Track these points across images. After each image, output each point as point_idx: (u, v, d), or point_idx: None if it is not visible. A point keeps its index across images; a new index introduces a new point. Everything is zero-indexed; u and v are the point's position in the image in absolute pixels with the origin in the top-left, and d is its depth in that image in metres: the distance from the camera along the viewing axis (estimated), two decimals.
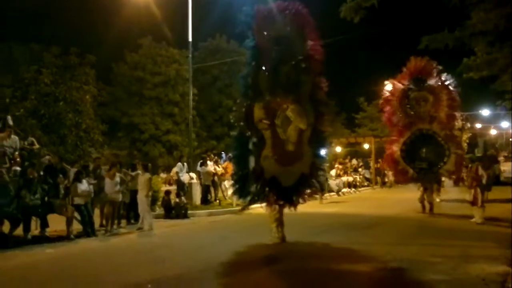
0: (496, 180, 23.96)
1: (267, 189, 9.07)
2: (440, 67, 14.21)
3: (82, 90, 20.90)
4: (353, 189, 25.02)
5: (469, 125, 20.26)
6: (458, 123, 18.24)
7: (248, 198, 9.30)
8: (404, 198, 17.87)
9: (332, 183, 22.63)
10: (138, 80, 30.62)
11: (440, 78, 13.97)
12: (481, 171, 12.20)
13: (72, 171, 12.29)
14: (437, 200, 16.98)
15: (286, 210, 9.62)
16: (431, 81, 13.97)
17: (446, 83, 13.98)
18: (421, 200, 14.19)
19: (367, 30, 18.69)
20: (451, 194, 18.93)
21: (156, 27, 28.74)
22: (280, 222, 9.54)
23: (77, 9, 35.52)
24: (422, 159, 13.76)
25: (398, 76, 14.56)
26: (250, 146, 9.06)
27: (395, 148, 14.16)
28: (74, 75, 21.19)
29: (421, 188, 14.28)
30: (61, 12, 31.77)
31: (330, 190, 22.17)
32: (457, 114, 16.90)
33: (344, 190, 23.69)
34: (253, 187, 9.09)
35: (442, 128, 13.69)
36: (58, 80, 20.28)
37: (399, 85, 14.26)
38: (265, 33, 9.07)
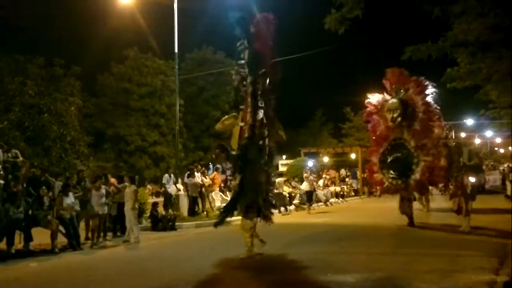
0: (481, 189, 24.31)
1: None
2: (422, 77, 14.35)
3: (67, 101, 20.73)
4: (341, 199, 25.09)
5: (453, 134, 20.49)
6: (442, 132, 18.43)
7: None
8: (391, 208, 17.89)
9: (320, 193, 22.67)
10: (124, 91, 30.53)
11: (416, 87, 14.04)
12: (466, 180, 12.29)
13: (58, 184, 12.12)
14: (424, 210, 17.14)
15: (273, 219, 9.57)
16: (407, 91, 13.98)
17: (424, 92, 14.04)
18: (402, 212, 14.09)
19: (353, 41, 18.87)
20: (436, 203, 19.07)
21: (142, 38, 28.76)
22: (252, 235, 9.28)
23: (62, 20, 35.36)
24: (394, 168, 13.79)
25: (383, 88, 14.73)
26: None
27: (375, 159, 14.22)
28: (59, 86, 21.03)
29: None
30: (46, 23, 31.58)
31: (318, 200, 22.21)
32: (439, 123, 17.11)
33: (332, 200, 23.74)
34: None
35: (415, 137, 13.62)
36: (43, 91, 20.11)
37: (379, 97, 14.37)
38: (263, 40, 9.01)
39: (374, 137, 14.72)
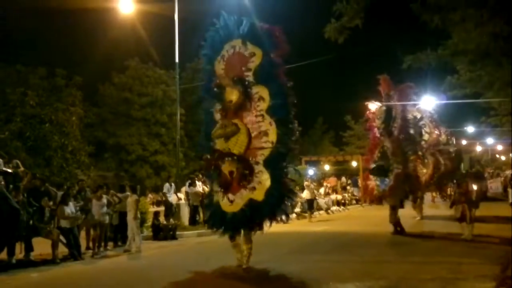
0: (483, 197, 24.23)
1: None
2: (409, 84, 14.45)
3: (68, 111, 20.76)
4: (342, 207, 25.03)
5: (454, 140, 20.48)
6: (442, 138, 18.49)
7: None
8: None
9: (321, 201, 22.64)
10: (125, 101, 30.63)
11: (398, 94, 14.05)
12: (470, 187, 12.15)
13: (59, 194, 12.13)
14: (417, 218, 17.06)
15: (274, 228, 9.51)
16: (392, 98, 14.07)
17: (406, 99, 14.10)
18: (390, 221, 13.93)
19: (353, 50, 18.97)
20: (437, 210, 19.03)
21: (143, 49, 28.90)
22: (235, 246, 9.06)
23: (64, 30, 35.58)
24: (378, 175, 13.87)
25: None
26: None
27: (369, 167, 14.31)
28: (61, 96, 21.08)
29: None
30: (48, 34, 31.76)
31: (319, 208, 22.17)
32: (433, 130, 17.30)
33: (333, 208, 23.68)
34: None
35: (393, 144, 13.64)
36: (44, 101, 20.15)
37: (378, 104, 14.40)
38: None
39: (369, 145, 14.85)
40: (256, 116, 8.54)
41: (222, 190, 8.65)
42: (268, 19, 9.41)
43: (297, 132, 8.85)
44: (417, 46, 10.04)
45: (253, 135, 8.58)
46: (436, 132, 17.44)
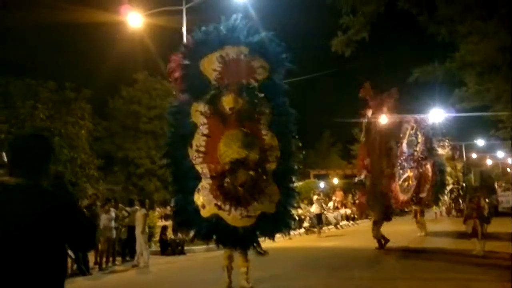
0: (493, 211, 23.95)
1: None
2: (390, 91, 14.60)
3: (77, 125, 20.89)
4: (351, 221, 24.80)
5: (458, 153, 20.54)
6: (446, 152, 18.56)
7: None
8: (402, 230, 17.69)
9: (330, 215, 22.45)
10: (133, 114, 30.80)
11: (380, 102, 14.22)
12: (483, 202, 11.98)
13: None
14: (421, 234, 16.85)
15: (283, 243, 9.46)
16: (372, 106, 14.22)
17: (381, 108, 14.09)
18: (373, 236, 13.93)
19: (360, 62, 18.98)
20: (447, 226, 18.80)
21: (152, 61, 29.10)
22: (228, 267, 8.54)
23: (73, 44, 36.05)
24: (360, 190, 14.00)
25: None
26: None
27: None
28: (70, 109, 21.23)
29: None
30: (57, 47, 32.20)
31: (328, 223, 21.99)
32: (427, 139, 17.46)
33: (343, 223, 23.48)
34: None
35: (360, 156, 14.06)
36: (54, 115, 20.31)
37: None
38: None
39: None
40: (260, 128, 8.30)
41: (230, 203, 7.88)
42: (275, 32, 9.39)
43: (300, 151, 8.88)
44: (425, 59, 10.03)
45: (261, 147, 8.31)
46: (425, 142, 17.57)
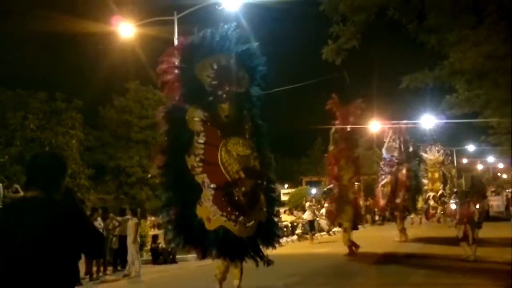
0: (485, 216, 24.10)
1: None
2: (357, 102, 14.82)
3: (68, 135, 20.79)
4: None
5: (450, 159, 20.66)
6: (436, 158, 18.74)
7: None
8: (393, 236, 17.76)
9: (323, 222, 22.44)
10: (125, 124, 30.70)
11: (347, 113, 14.39)
12: (473, 208, 12.08)
13: None
14: (400, 239, 16.94)
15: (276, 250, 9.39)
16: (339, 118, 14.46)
17: (348, 119, 14.31)
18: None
19: (351, 70, 19.14)
20: (441, 231, 18.84)
21: (143, 71, 29.05)
22: (220, 280, 8.38)
23: (64, 54, 35.91)
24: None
25: None
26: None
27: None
28: (61, 120, 21.13)
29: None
30: (48, 57, 32.09)
31: (321, 230, 21.98)
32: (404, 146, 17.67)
33: (335, 229, 23.47)
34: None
35: (329, 163, 14.17)
36: (44, 125, 20.21)
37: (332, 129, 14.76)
38: None
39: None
40: (247, 137, 8.02)
41: (236, 213, 7.46)
42: (264, 41, 9.44)
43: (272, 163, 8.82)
44: (415, 66, 10.13)
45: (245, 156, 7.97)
46: (402, 148, 17.76)
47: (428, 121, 30.66)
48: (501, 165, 52.52)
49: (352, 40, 8.32)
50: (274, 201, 8.70)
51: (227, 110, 7.80)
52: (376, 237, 18.72)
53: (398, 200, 17.25)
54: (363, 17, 7.94)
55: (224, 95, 7.87)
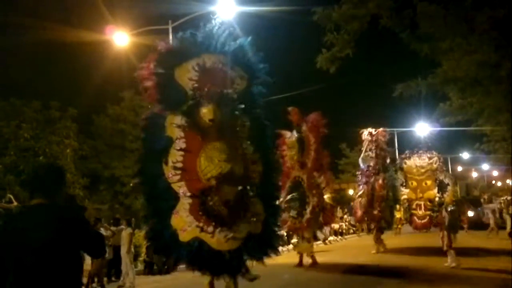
0: (479, 223, 24.15)
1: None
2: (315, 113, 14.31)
3: (62, 144, 20.70)
4: (339, 236, 24.78)
5: (444, 168, 20.47)
6: (432, 166, 18.60)
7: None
8: (390, 244, 17.73)
9: (318, 231, 22.39)
10: (120, 132, 30.61)
11: (310, 124, 13.98)
12: (443, 213, 12.54)
13: None
14: (380, 250, 16.87)
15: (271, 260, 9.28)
16: (304, 128, 14.00)
17: (318, 129, 14.01)
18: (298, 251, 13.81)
19: (346, 78, 19.25)
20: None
21: (138, 79, 29.03)
22: None
23: (59, 63, 35.91)
24: (293, 208, 13.64)
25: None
26: None
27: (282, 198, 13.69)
28: (55, 129, 21.05)
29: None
30: (42, 66, 32.04)
31: (317, 239, 21.93)
32: (382, 154, 17.52)
33: (331, 238, 23.44)
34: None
35: (307, 176, 13.66)
36: (39, 134, 20.12)
37: (288, 134, 14.24)
38: None
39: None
40: (241, 142, 7.59)
41: (213, 224, 6.95)
42: (260, 51, 9.41)
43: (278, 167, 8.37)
44: (409, 74, 10.18)
45: (239, 162, 7.43)
46: (379, 158, 17.65)
47: (423, 129, 30.87)
48: (495, 173, 52.76)
49: (346, 49, 8.37)
50: (275, 209, 8.09)
51: (211, 113, 7.29)
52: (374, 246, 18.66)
53: (375, 211, 17.11)
54: (356, 26, 8.00)
55: (208, 98, 7.38)
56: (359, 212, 17.69)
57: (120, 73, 27.80)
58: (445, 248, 11.97)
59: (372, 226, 18.25)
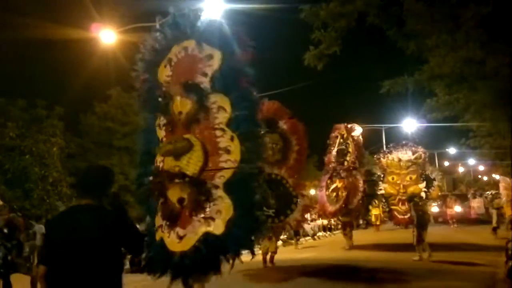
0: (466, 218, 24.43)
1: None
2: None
3: (49, 142, 20.52)
4: (328, 232, 24.93)
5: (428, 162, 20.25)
6: (418, 160, 18.43)
7: None
8: (375, 240, 17.90)
9: (307, 227, 22.51)
10: (107, 130, 30.40)
11: (290, 123, 13.57)
12: (412, 211, 13.13)
13: (38, 227, 11.82)
14: (346, 246, 16.91)
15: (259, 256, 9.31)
16: (283, 125, 13.44)
17: (298, 128, 13.64)
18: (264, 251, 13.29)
19: (333, 75, 19.30)
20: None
21: (125, 77, 28.86)
22: None
23: (45, 61, 35.53)
24: (269, 206, 13.03)
25: None
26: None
27: None
28: (41, 127, 20.86)
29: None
30: (28, 65, 31.69)
31: (305, 234, 22.03)
32: (358, 150, 17.29)
33: (320, 234, 23.58)
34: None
35: (290, 174, 13.20)
36: (25, 133, 19.92)
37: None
38: None
39: None
40: (213, 130, 6.82)
41: (168, 223, 6.67)
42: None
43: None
44: (396, 71, 10.26)
45: (209, 152, 6.75)
46: (356, 153, 17.54)
47: (410, 124, 31.14)
48: (481, 168, 53.40)
49: (333, 46, 8.40)
50: (247, 209, 6.66)
51: (178, 106, 6.99)
52: (362, 241, 18.80)
53: (351, 206, 16.91)
54: (344, 23, 8.03)
55: (174, 90, 7.09)
56: (331, 207, 17.10)
57: (107, 71, 27.60)
58: (414, 243, 12.49)
59: (343, 221, 17.85)
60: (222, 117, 6.77)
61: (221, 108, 6.79)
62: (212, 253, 6.34)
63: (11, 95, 21.63)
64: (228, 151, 6.63)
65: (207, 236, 6.33)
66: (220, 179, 6.54)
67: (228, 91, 6.88)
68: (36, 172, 19.59)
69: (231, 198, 6.43)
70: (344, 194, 16.81)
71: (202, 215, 6.45)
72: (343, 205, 16.80)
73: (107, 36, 16.82)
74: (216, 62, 6.94)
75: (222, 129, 6.72)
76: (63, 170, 21.80)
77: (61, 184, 20.81)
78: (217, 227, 6.35)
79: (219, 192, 6.48)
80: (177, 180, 6.60)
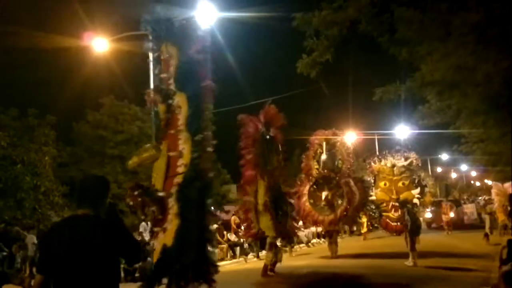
0: (460, 223, 24.49)
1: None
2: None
3: (41, 151, 20.37)
4: (322, 239, 24.86)
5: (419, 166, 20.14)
6: (410, 166, 18.41)
7: None
8: (369, 246, 17.89)
9: (301, 234, 22.44)
10: (100, 139, 30.26)
11: (277, 132, 13.58)
12: (406, 217, 13.42)
13: (30, 237, 11.71)
14: (333, 255, 16.67)
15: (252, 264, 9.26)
16: (273, 132, 13.40)
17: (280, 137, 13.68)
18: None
19: (325, 83, 19.37)
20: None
21: (118, 86, 28.87)
22: None
23: (37, 69, 35.41)
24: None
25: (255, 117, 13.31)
26: None
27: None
28: (33, 136, 20.71)
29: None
30: (20, 73, 31.53)
31: (300, 241, 21.96)
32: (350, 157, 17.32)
33: (314, 240, 23.52)
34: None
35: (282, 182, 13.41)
36: (16, 142, 19.76)
37: (256, 125, 13.11)
38: None
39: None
40: (177, 132, 6.59)
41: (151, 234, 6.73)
42: (241, 56, 9.41)
43: (211, 148, 6.61)
44: (389, 78, 10.33)
45: (171, 159, 6.53)
46: (349, 160, 17.58)
47: (403, 131, 31.29)
48: (474, 173, 53.73)
49: (326, 54, 8.44)
50: (192, 220, 6.14)
51: (160, 111, 7.05)
52: (356, 247, 18.76)
53: (349, 214, 16.73)
54: (336, 31, 8.07)
55: (156, 98, 7.17)
56: (321, 216, 16.64)
57: (99, 79, 27.59)
58: (409, 248, 12.77)
59: (330, 229, 17.48)
60: (182, 117, 6.63)
61: (180, 107, 6.67)
62: (168, 265, 6.11)
63: (2, 103, 21.51)
64: (182, 155, 6.42)
65: (164, 247, 6.24)
66: (175, 186, 6.33)
67: (185, 87, 6.74)
68: (28, 182, 19.41)
69: (178, 207, 6.19)
70: (342, 202, 16.55)
71: (162, 226, 6.35)
72: (344, 214, 16.53)
73: (99, 44, 16.81)
74: (174, 60, 6.96)
75: (182, 130, 6.58)
76: (55, 179, 21.62)
77: (53, 193, 20.62)
78: (169, 238, 6.17)
79: (172, 201, 6.30)
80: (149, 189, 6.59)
